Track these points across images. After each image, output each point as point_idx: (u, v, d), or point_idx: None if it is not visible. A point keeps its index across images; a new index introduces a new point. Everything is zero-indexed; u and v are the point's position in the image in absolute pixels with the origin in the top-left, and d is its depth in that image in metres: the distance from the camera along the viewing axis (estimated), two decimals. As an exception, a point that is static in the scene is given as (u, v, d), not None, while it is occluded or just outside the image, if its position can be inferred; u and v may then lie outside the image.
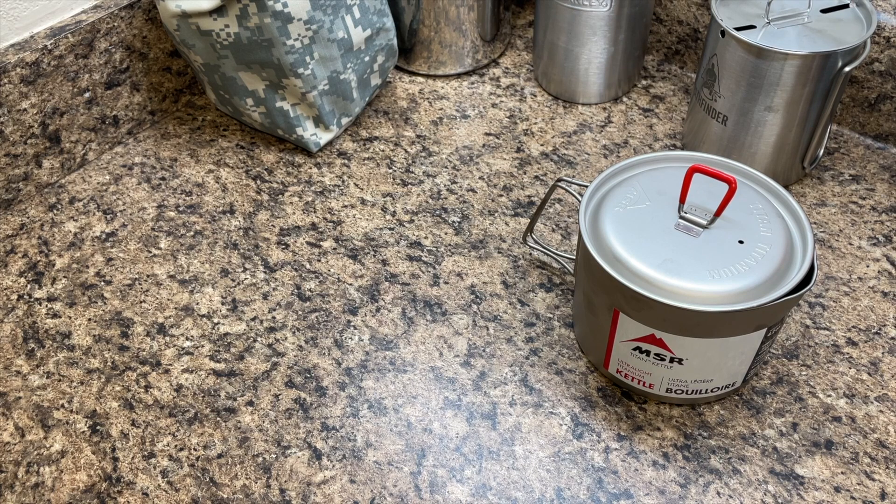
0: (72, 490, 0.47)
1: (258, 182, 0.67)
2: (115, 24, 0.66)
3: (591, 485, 0.46)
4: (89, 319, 0.57)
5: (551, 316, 0.56)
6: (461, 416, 0.50)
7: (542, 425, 0.49)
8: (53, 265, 0.61)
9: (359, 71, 0.68)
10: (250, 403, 0.52)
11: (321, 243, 0.62)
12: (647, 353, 0.46)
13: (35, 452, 0.49)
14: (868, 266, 0.58)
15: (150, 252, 0.61)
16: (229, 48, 0.62)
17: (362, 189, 0.66)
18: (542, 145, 0.70)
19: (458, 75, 0.78)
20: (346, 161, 0.69)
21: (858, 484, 0.46)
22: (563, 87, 0.74)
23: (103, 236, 0.63)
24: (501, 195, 0.65)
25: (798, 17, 0.58)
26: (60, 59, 0.63)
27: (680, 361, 0.46)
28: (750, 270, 0.44)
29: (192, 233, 0.63)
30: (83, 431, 0.50)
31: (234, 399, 0.52)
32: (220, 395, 0.52)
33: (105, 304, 0.58)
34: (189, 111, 0.75)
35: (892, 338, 0.54)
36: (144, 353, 0.54)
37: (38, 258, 0.61)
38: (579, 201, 0.49)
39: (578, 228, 0.52)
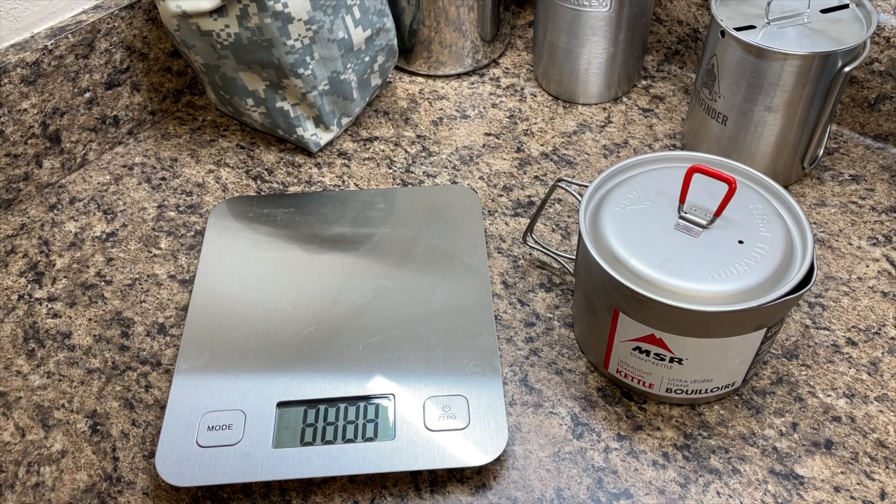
0: (72, 490, 0.47)
1: (258, 182, 0.67)
2: (116, 24, 0.66)
3: (591, 485, 0.46)
4: (90, 319, 0.57)
5: (551, 316, 0.56)
6: (461, 415, 0.50)
7: (542, 425, 0.49)
8: (54, 265, 0.61)
9: (359, 71, 0.68)
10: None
11: (321, 243, 0.62)
12: (647, 353, 0.46)
13: (35, 452, 0.49)
14: (868, 266, 0.58)
15: (151, 252, 0.62)
16: (229, 48, 0.62)
17: (363, 189, 0.66)
18: (542, 145, 0.70)
19: (458, 75, 0.78)
20: (346, 161, 0.69)
21: (858, 484, 0.46)
22: (563, 87, 0.74)
23: (104, 236, 0.63)
24: (501, 195, 0.65)
25: (798, 18, 0.58)
26: (61, 59, 0.63)
27: (680, 361, 0.46)
28: (750, 270, 0.44)
29: (192, 233, 0.63)
30: (83, 431, 0.50)
31: (235, 399, 0.52)
32: (220, 395, 0.52)
33: (105, 304, 0.58)
34: (189, 111, 0.75)
35: (892, 338, 0.54)
36: (145, 353, 0.54)
37: (39, 258, 0.61)
38: (579, 201, 0.49)
39: (578, 228, 0.52)
